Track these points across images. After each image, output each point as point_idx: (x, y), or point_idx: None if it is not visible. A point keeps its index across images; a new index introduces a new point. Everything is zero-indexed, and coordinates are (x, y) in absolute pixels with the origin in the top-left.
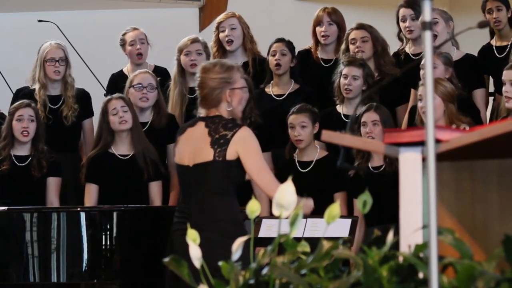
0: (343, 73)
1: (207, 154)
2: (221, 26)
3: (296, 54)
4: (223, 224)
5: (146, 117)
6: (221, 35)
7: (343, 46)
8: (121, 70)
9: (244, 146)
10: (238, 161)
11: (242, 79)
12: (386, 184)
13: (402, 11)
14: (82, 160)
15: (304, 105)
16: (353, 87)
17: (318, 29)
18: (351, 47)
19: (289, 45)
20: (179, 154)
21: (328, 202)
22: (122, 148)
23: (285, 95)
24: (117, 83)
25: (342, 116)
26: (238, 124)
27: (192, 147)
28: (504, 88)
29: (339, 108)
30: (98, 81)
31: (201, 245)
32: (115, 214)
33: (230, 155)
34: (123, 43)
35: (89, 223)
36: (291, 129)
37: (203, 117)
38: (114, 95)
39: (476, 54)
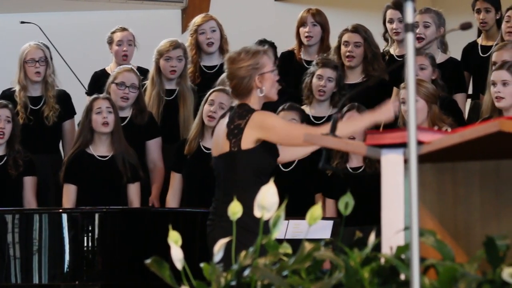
0: (317, 73)
1: (224, 146)
2: (200, 29)
3: (279, 55)
4: (241, 216)
5: (125, 112)
6: (201, 37)
7: (335, 44)
8: (104, 69)
9: (261, 128)
10: (256, 149)
11: (271, 61)
12: (365, 185)
13: (390, 13)
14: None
15: (293, 104)
16: (327, 89)
17: (302, 30)
18: (343, 48)
19: (271, 47)
20: (212, 145)
21: (310, 202)
22: (101, 149)
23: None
24: (99, 81)
25: (311, 118)
26: (250, 110)
27: (216, 138)
28: (495, 89)
29: (306, 110)
30: (80, 82)
31: (216, 234)
32: (96, 215)
33: (246, 143)
34: (110, 41)
35: (70, 224)
36: None
37: (233, 106)
38: (101, 95)
39: (460, 54)
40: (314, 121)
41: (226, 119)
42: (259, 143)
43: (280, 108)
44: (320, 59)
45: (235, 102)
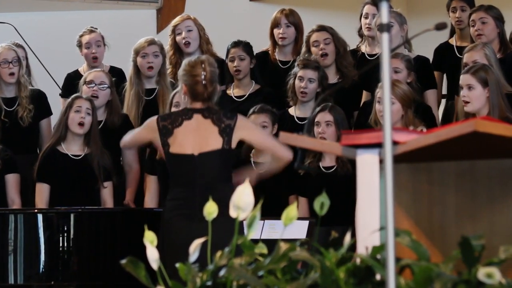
0: (298, 75)
1: (216, 143)
2: (177, 28)
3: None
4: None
5: (100, 115)
6: (178, 37)
7: (303, 49)
8: (77, 70)
9: (247, 128)
10: (235, 149)
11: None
12: (337, 185)
13: (367, 8)
14: None
15: (264, 106)
16: (308, 90)
17: (275, 31)
18: (314, 49)
19: (247, 47)
20: (179, 145)
21: (285, 202)
22: (73, 148)
23: (245, 96)
24: (73, 82)
25: (295, 119)
26: (234, 113)
27: (197, 137)
28: (461, 92)
29: (291, 111)
30: (55, 82)
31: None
32: (72, 215)
33: (234, 142)
34: (79, 45)
35: (46, 224)
36: None
37: (195, 109)
38: (84, 95)
39: (432, 54)
40: (298, 122)
41: (198, 119)
42: (236, 145)
43: (251, 111)
44: (301, 60)
45: (190, 105)
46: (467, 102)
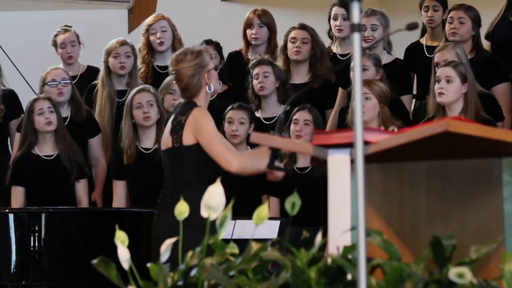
0: (254, 74)
1: (168, 141)
2: (151, 28)
3: (226, 55)
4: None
5: (64, 112)
6: (152, 37)
7: (281, 43)
8: None
9: (196, 127)
10: (198, 145)
11: (210, 59)
12: (311, 185)
13: (335, 10)
14: None
15: (242, 103)
16: (266, 84)
17: (248, 31)
18: (290, 45)
19: (217, 47)
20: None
21: (257, 202)
22: (46, 149)
23: (214, 96)
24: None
25: (262, 120)
26: (191, 106)
27: (164, 133)
28: (438, 85)
29: (257, 114)
30: (27, 82)
31: (162, 229)
32: (43, 215)
33: (187, 139)
34: (54, 44)
35: (17, 224)
36: (228, 124)
37: (180, 103)
38: (41, 95)
39: (402, 54)
40: (265, 122)
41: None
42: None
43: (229, 107)
44: (252, 62)
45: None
46: (442, 94)
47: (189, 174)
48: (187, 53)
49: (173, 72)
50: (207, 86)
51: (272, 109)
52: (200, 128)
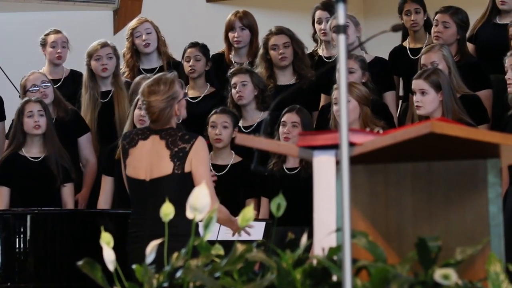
0: (232, 83)
1: (166, 168)
2: (136, 31)
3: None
4: (183, 238)
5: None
6: (137, 40)
7: (261, 51)
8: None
9: (197, 154)
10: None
11: (181, 88)
12: (299, 186)
13: (318, 13)
14: None
15: (226, 107)
16: (243, 94)
17: (230, 34)
18: (273, 53)
19: (203, 49)
20: (133, 168)
21: (241, 207)
22: (33, 150)
23: (200, 98)
24: None
25: (242, 129)
26: (194, 135)
27: (149, 161)
28: (415, 97)
29: (240, 123)
30: (13, 84)
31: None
32: (28, 217)
33: (188, 167)
34: (44, 43)
35: (2, 226)
36: (212, 128)
37: (155, 130)
38: (33, 98)
39: (387, 56)
40: (244, 131)
41: (154, 141)
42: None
43: (213, 111)
44: (230, 71)
45: (151, 125)
46: (419, 107)
47: (186, 199)
48: (160, 83)
49: (144, 103)
50: (176, 117)
51: (252, 116)
52: (199, 159)
